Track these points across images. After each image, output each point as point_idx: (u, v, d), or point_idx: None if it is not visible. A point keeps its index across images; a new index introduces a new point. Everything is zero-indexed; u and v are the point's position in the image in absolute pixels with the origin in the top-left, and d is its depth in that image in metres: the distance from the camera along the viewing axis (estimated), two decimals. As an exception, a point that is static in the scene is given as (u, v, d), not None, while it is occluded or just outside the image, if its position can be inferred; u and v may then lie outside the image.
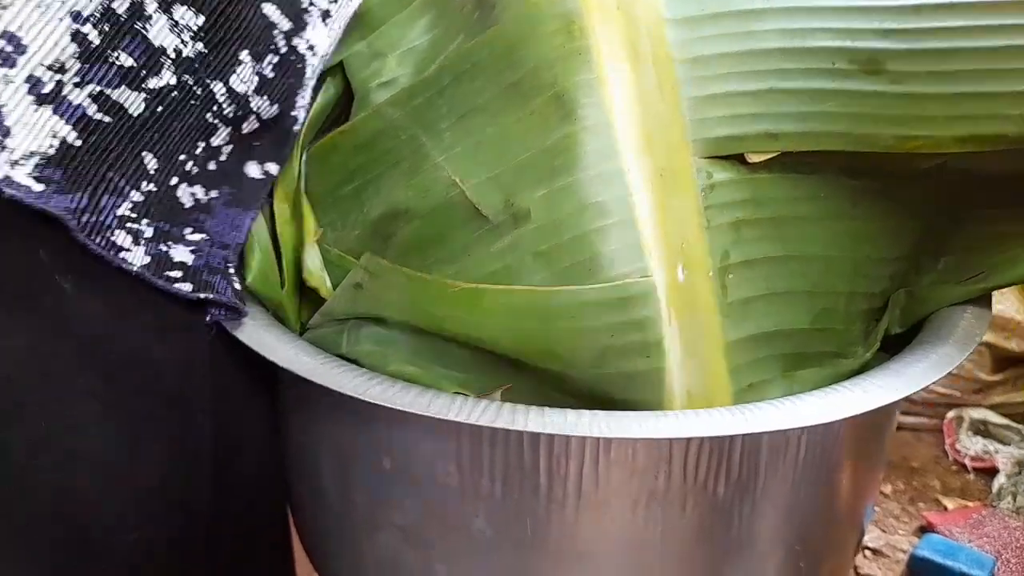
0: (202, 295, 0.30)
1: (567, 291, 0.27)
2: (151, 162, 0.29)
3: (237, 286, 0.31)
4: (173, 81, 0.29)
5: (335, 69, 0.37)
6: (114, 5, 0.27)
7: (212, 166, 0.31)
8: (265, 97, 0.32)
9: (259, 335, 0.30)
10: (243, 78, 0.31)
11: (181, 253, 0.30)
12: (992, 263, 0.33)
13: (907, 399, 0.27)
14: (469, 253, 0.30)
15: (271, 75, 0.32)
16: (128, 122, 0.28)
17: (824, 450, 0.29)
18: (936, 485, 0.57)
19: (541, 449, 0.26)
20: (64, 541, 0.30)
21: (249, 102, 0.31)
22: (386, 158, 0.33)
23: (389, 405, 0.25)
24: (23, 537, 0.29)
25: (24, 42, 0.25)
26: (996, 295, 0.34)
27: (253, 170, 0.32)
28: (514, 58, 0.30)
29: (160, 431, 0.32)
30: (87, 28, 0.26)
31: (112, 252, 0.28)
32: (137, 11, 0.27)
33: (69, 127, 0.27)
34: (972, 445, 0.58)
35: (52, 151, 0.26)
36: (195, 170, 0.31)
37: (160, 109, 0.29)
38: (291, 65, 0.32)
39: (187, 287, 0.30)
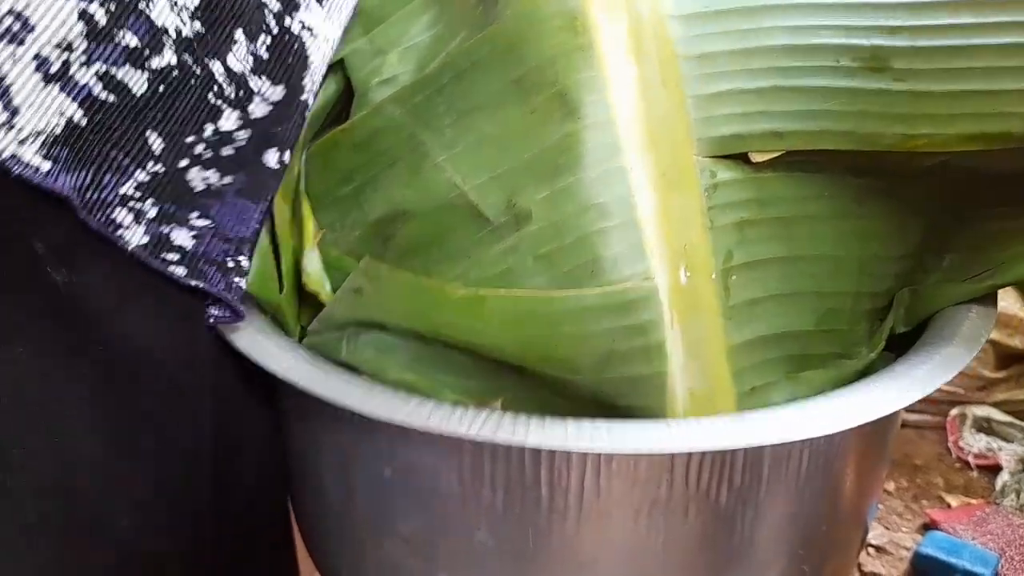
0: (194, 282, 0.29)
1: (568, 296, 0.26)
2: (156, 142, 0.29)
3: (239, 284, 0.31)
4: (174, 61, 0.29)
5: (335, 66, 0.36)
6: None
7: (228, 151, 0.31)
8: (264, 78, 0.31)
9: (258, 343, 0.30)
10: (239, 57, 0.31)
11: (182, 237, 0.30)
12: (997, 260, 0.32)
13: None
14: (470, 255, 0.29)
15: (266, 56, 0.31)
16: (132, 101, 0.28)
17: (828, 456, 0.29)
18: (939, 482, 0.57)
19: (542, 461, 0.25)
20: (60, 541, 0.29)
21: (248, 82, 0.31)
22: (386, 157, 0.32)
23: (388, 419, 0.25)
24: (18, 537, 0.28)
25: (32, 21, 0.25)
26: (999, 292, 0.34)
27: (271, 158, 0.32)
28: (516, 55, 0.29)
29: (159, 429, 0.32)
30: (93, 7, 0.26)
31: (110, 229, 0.28)
32: None
33: (76, 106, 0.26)
34: (975, 442, 0.58)
35: (59, 130, 0.26)
36: (208, 154, 0.30)
37: (162, 89, 0.28)
38: (287, 46, 0.32)
39: (181, 271, 0.29)
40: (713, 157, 0.29)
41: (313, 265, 0.32)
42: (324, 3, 0.34)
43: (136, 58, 0.28)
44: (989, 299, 0.32)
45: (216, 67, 0.30)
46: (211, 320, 0.31)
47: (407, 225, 0.31)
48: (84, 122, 0.27)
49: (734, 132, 0.29)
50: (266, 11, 0.32)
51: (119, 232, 0.28)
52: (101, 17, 0.26)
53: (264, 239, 0.35)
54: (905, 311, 0.33)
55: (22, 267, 0.27)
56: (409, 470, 0.29)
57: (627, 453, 0.24)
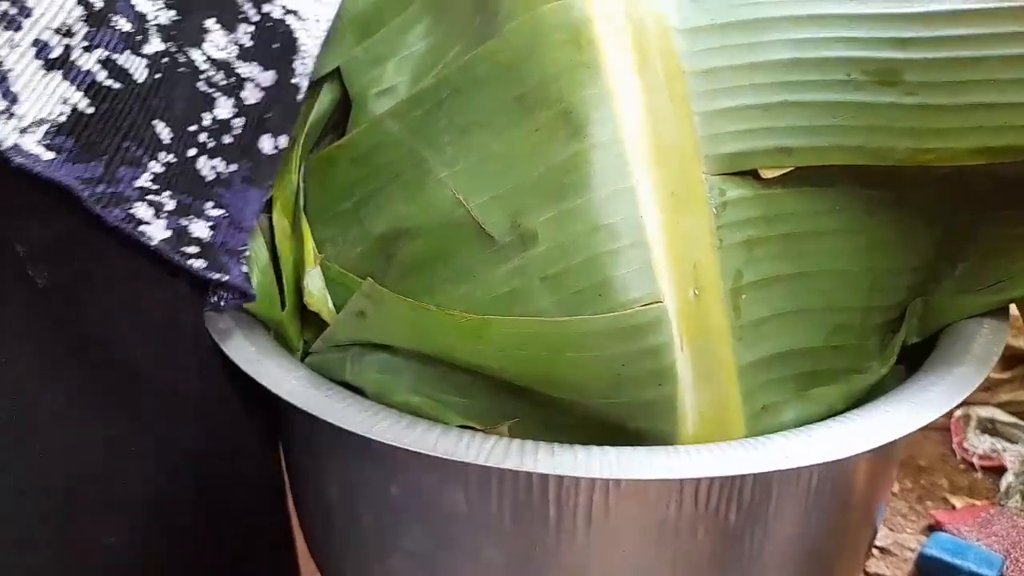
0: (215, 275, 0.29)
1: (576, 321, 0.26)
2: (163, 131, 0.28)
3: (246, 270, 0.31)
4: (163, 48, 0.28)
5: (332, 76, 0.36)
6: None
7: (228, 139, 0.31)
8: (254, 63, 0.31)
9: (261, 364, 0.29)
10: (218, 46, 0.30)
11: (200, 228, 0.29)
12: (1010, 271, 0.32)
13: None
14: (475, 274, 0.29)
15: (249, 43, 0.31)
16: (136, 88, 0.27)
17: (839, 472, 0.28)
18: (944, 484, 0.57)
19: (550, 482, 0.25)
20: (44, 549, 0.29)
21: (236, 69, 0.30)
22: (386, 171, 0.32)
23: (394, 444, 0.24)
24: (8, 541, 0.28)
25: (28, 4, 0.25)
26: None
27: (266, 144, 0.32)
28: (518, 71, 0.29)
29: (146, 432, 0.31)
30: None
31: (131, 225, 0.27)
32: None
33: (80, 93, 0.26)
34: (980, 443, 0.57)
35: (63, 119, 0.26)
36: (211, 143, 0.30)
37: (159, 76, 0.28)
38: (271, 31, 0.31)
39: (201, 264, 0.29)
40: (721, 175, 0.28)
41: (315, 284, 0.32)
42: None
43: (132, 43, 0.27)
44: (1002, 313, 0.32)
45: (196, 55, 0.29)
46: (222, 303, 0.30)
47: (410, 242, 0.30)
48: (91, 111, 0.26)
49: (742, 149, 0.28)
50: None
51: (141, 228, 0.27)
52: (97, 1, 0.26)
53: (264, 254, 0.34)
54: (918, 322, 0.33)
55: (2, 268, 0.26)
56: (415, 488, 0.28)
57: (634, 479, 0.24)
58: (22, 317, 0.27)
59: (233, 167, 0.31)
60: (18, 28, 0.24)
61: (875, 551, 0.52)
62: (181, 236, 0.29)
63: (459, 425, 0.28)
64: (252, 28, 0.31)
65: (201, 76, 0.29)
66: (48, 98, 0.25)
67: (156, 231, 0.28)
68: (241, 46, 0.30)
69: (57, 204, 0.26)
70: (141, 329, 0.30)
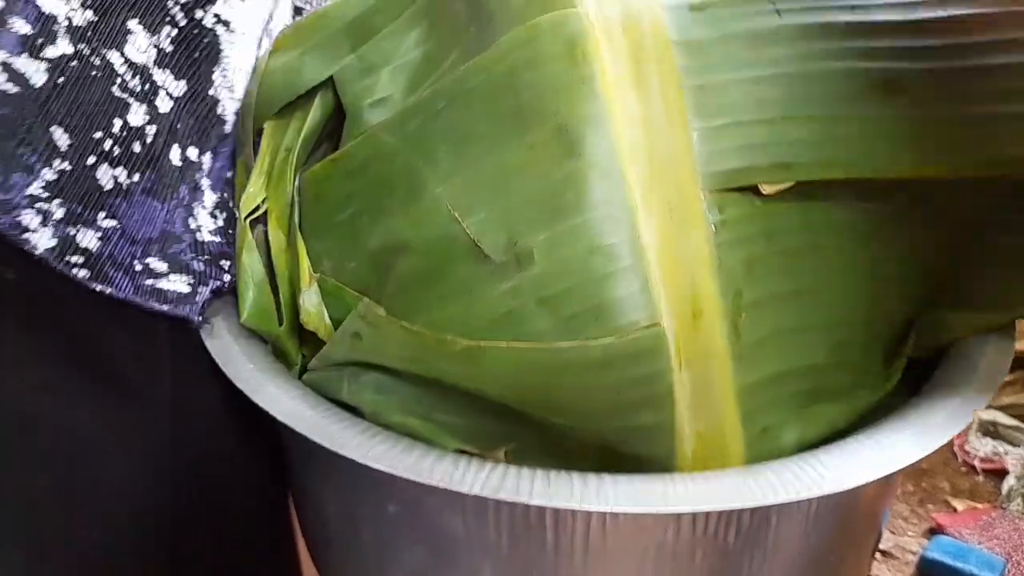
0: (98, 286, 0.29)
1: (572, 348, 0.26)
2: (62, 138, 0.28)
3: (153, 285, 0.30)
4: (70, 50, 0.27)
5: (325, 85, 0.35)
6: None
7: (137, 147, 0.30)
8: (168, 71, 0.30)
9: (258, 383, 0.29)
10: (139, 48, 0.29)
11: (88, 239, 0.29)
12: (1018, 288, 0.31)
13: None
14: (472, 293, 0.28)
15: (170, 48, 0.30)
16: (33, 94, 0.27)
17: (840, 497, 0.28)
18: (945, 487, 0.57)
19: (547, 511, 0.25)
20: (21, 550, 0.29)
21: (152, 74, 0.30)
22: (381, 184, 0.31)
23: (390, 471, 0.24)
24: None
25: None
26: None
27: (174, 154, 0.31)
28: (512, 84, 0.28)
29: (120, 429, 0.31)
30: None
31: (16, 232, 0.27)
32: None
33: None
34: (981, 446, 0.57)
35: None
36: (116, 150, 0.29)
37: (62, 80, 0.27)
38: (195, 39, 0.31)
39: (84, 274, 0.29)
40: (720, 191, 0.28)
41: (311, 302, 0.32)
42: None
43: (31, 47, 0.26)
44: (1007, 331, 0.31)
45: (114, 57, 0.29)
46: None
47: (406, 258, 0.30)
48: None
49: (742, 164, 0.28)
50: (170, 2, 0.30)
51: (26, 235, 0.27)
52: None
53: (260, 268, 0.34)
54: (923, 337, 0.32)
55: None
56: (412, 509, 0.28)
57: (631, 512, 0.23)
58: None
59: (135, 177, 0.30)
60: None
61: (877, 554, 0.52)
62: (67, 245, 0.28)
63: (456, 449, 0.28)
64: (175, 32, 0.30)
65: (116, 80, 0.29)
66: None
67: (41, 240, 0.27)
68: (160, 50, 0.30)
69: None
70: (117, 325, 0.30)
